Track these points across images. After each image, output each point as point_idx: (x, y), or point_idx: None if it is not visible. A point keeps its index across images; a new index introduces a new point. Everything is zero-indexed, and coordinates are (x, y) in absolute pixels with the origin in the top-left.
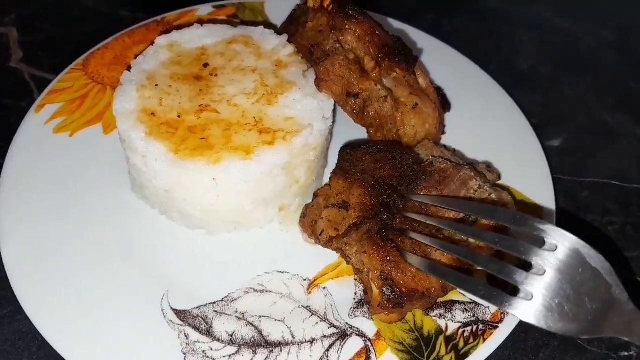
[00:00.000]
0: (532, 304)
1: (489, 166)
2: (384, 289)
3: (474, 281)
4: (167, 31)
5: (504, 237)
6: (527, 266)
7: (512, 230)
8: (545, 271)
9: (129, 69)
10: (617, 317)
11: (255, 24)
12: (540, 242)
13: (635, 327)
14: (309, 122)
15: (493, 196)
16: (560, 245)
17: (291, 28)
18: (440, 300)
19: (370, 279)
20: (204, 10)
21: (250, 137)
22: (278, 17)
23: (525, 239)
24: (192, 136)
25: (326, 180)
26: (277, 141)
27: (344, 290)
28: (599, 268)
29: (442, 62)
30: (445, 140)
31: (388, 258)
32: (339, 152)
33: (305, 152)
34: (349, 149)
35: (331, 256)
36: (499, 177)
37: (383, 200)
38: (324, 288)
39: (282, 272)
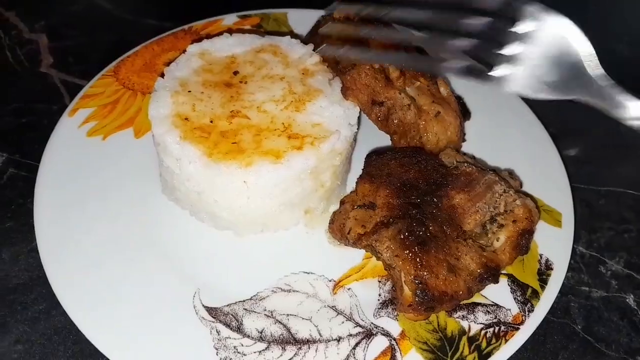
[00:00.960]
0: (515, 75)
1: (511, 173)
2: (417, 292)
3: (457, 60)
4: (197, 40)
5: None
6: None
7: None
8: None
9: (162, 75)
10: (590, 85)
11: (280, 34)
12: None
13: (606, 94)
14: (335, 128)
15: (518, 202)
16: (538, 24)
17: (316, 38)
18: (462, 302)
19: (404, 281)
20: (229, 19)
21: (280, 142)
22: (300, 26)
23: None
24: (224, 140)
25: (350, 185)
26: (305, 146)
27: (368, 291)
28: (576, 42)
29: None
30: (464, 147)
31: (422, 263)
32: (365, 158)
33: (331, 157)
34: (375, 155)
35: (355, 258)
36: (521, 185)
37: (411, 200)
38: (349, 289)
39: (308, 273)
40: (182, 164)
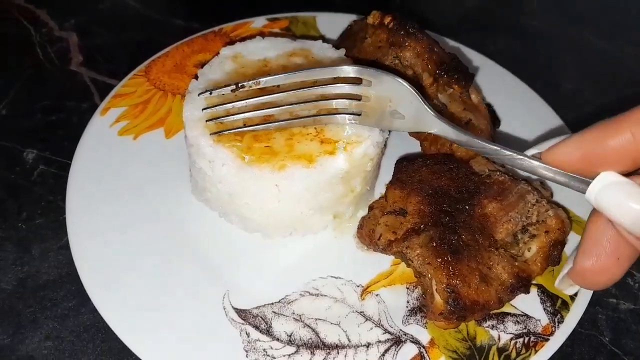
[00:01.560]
0: (368, 115)
1: (542, 183)
2: (449, 300)
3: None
4: (227, 42)
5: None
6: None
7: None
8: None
9: (195, 77)
10: (421, 118)
11: (312, 38)
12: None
13: (430, 121)
14: (368, 133)
15: (550, 212)
16: (375, 79)
17: (348, 43)
18: (492, 312)
19: (435, 289)
20: (258, 22)
21: (312, 146)
22: (329, 30)
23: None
24: (257, 144)
25: (378, 190)
26: (337, 151)
27: (396, 298)
28: (406, 89)
29: (491, 79)
30: None
31: (454, 272)
32: (395, 164)
33: (363, 162)
34: (405, 162)
35: (383, 264)
36: (552, 195)
37: (443, 208)
38: (377, 295)
39: (336, 278)
40: (214, 165)
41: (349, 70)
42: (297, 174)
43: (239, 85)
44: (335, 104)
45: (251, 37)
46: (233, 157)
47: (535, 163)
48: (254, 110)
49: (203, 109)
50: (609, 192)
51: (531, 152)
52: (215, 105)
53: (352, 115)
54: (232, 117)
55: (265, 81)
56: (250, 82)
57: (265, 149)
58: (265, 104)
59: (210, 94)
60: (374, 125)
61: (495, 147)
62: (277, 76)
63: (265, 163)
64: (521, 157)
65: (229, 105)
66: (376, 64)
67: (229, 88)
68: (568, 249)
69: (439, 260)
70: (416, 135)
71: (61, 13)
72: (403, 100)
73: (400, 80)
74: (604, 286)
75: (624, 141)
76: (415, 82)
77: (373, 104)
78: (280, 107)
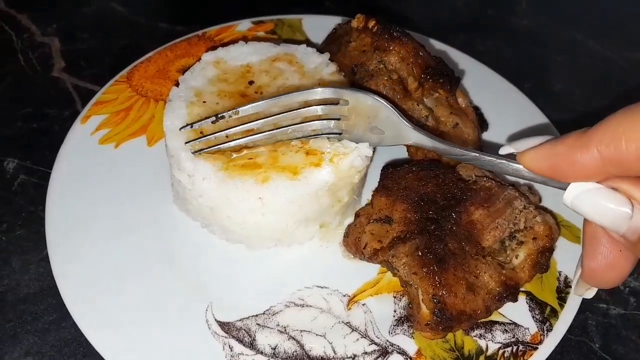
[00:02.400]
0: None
1: (530, 188)
2: (435, 311)
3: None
4: (212, 47)
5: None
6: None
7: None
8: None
9: (177, 84)
10: (399, 132)
11: (296, 42)
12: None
13: (408, 134)
14: (355, 145)
15: (538, 218)
16: (351, 98)
17: (333, 47)
18: (480, 321)
19: (421, 299)
20: (243, 25)
21: (297, 157)
22: (315, 33)
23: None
24: (238, 156)
25: (365, 197)
26: (323, 162)
27: (383, 307)
28: (381, 104)
29: (478, 81)
30: None
31: (440, 281)
32: (381, 170)
33: (350, 174)
34: (391, 168)
35: (370, 273)
36: (540, 200)
37: (429, 215)
38: (364, 304)
39: (322, 287)
40: (195, 180)
41: (325, 92)
42: (281, 187)
43: (219, 116)
44: (315, 125)
45: (235, 41)
46: (214, 170)
47: (514, 166)
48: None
49: (186, 143)
50: (582, 199)
51: (506, 149)
52: (197, 138)
53: (333, 135)
54: (213, 135)
55: (244, 110)
56: (229, 112)
57: (248, 161)
58: (247, 131)
59: (192, 127)
60: (356, 142)
61: (475, 154)
62: (255, 104)
63: (248, 175)
64: (500, 160)
65: (212, 137)
66: (360, 68)
67: (209, 120)
68: (557, 254)
69: (425, 269)
70: None
71: (43, 18)
72: (380, 115)
73: (375, 97)
74: (619, 281)
75: (590, 159)
76: (399, 87)
77: (353, 122)
78: (262, 132)
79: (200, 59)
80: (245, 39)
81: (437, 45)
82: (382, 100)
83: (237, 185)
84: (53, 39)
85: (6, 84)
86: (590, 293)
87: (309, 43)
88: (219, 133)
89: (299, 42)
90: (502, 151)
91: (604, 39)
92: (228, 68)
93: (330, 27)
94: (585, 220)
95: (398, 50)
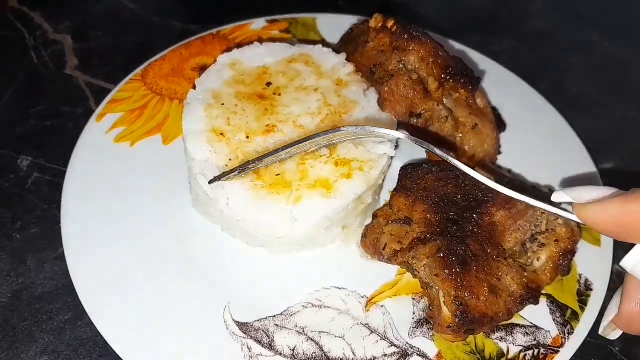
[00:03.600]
0: None
1: (551, 190)
2: (458, 313)
3: None
4: (226, 45)
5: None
6: None
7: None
8: None
9: (194, 87)
10: None
11: (312, 40)
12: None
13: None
14: (382, 149)
15: (560, 221)
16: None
17: (349, 47)
18: (501, 323)
19: (443, 302)
20: (257, 24)
21: (327, 170)
22: (329, 32)
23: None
24: (266, 171)
25: (383, 198)
26: (354, 173)
27: (401, 309)
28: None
29: (496, 82)
30: (499, 160)
31: (463, 284)
32: (400, 171)
33: (378, 179)
34: (410, 168)
35: (388, 274)
36: (560, 203)
37: (449, 216)
38: (382, 306)
39: (340, 289)
40: (219, 195)
41: (351, 131)
42: (316, 206)
43: (244, 168)
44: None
45: (249, 41)
46: (242, 189)
47: (566, 215)
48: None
49: (210, 182)
50: None
51: (560, 196)
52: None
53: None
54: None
55: (268, 160)
56: (254, 162)
57: (277, 177)
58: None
59: (219, 180)
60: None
61: (523, 198)
62: (279, 153)
63: (279, 194)
64: (552, 210)
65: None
66: (379, 69)
67: (235, 172)
68: (577, 257)
69: (447, 271)
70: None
71: (56, 15)
72: None
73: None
74: None
75: None
76: (419, 87)
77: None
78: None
79: (215, 60)
80: (260, 40)
81: (455, 46)
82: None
83: (268, 205)
84: (66, 37)
85: (19, 82)
86: (616, 334)
87: (325, 43)
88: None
89: (313, 42)
90: (556, 198)
91: (620, 40)
92: (244, 70)
93: (344, 26)
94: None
95: (418, 50)
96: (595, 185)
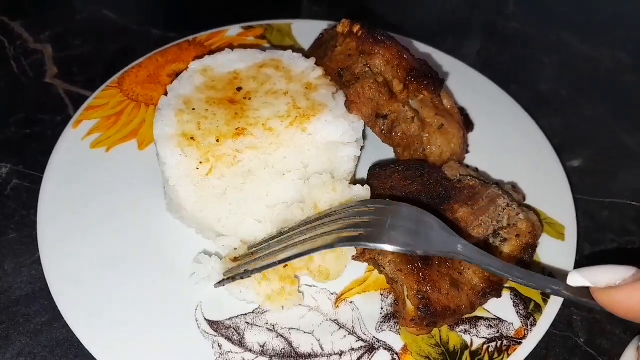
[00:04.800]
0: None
1: (514, 187)
2: (420, 307)
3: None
4: (200, 55)
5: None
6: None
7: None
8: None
9: (165, 93)
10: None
11: (283, 47)
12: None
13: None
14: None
15: (521, 215)
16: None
17: (319, 52)
18: (465, 316)
19: (407, 296)
20: (233, 30)
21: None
22: (304, 38)
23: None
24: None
25: None
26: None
27: (370, 305)
28: (426, 217)
29: (464, 83)
30: (467, 159)
31: (425, 278)
32: (368, 171)
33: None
34: (378, 168)
35: (357, 271)
36: (524, 198)
37: None
38: (351, 302)
39: (310, 286)
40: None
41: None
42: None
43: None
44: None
45: (223, 47)
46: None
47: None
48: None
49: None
50: None
51: (576, 280)
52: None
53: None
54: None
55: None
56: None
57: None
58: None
59: (234, 279)
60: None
61: (529, 275)
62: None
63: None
64: (567, 294)
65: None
66: (346, 72)
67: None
68: (540, 251)
69: (410, 266)
70: (389, 141)
71: (36, 25)
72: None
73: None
74: None
75: None
76: (385, 90)
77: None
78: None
79: (187, 67)
80: (232, 46)
81: (423, 48)
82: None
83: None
84: (46, 46)
85: None
86: None
87: (295, 48)
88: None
89: (288, 47)
90: (572, 282)
91: (591, 40)
92: (215, 75)
93: (318, 32)
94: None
95: (383, 54)
96: (610, 265)
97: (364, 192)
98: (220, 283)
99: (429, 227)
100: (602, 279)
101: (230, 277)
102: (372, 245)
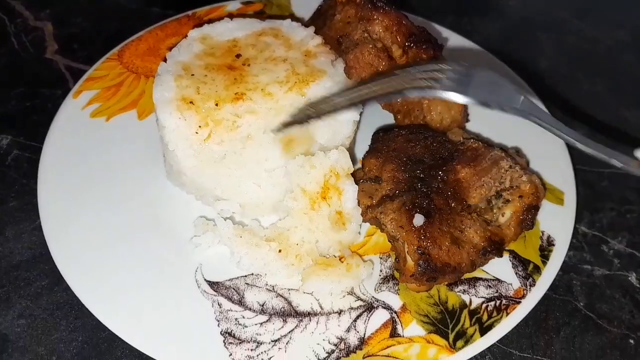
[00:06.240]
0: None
1: (518, 151)
2: (420, 262)
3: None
4: (199, 25)
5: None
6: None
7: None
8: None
9: (164, 60)
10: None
11: (282, 17)
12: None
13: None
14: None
15: (524, 177)
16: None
17: (318, 22)
18: (464, 277)
19: (407, 251)
20: (233, 6)
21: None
22: (303, 13)
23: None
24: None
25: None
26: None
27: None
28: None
29: (463, 55)
30: (468, 127)
31: (425, 234)
32: (372, 135)
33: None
34: (382, 132)
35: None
36: (528, 163)
37: (416, 174)
38: None
39: None
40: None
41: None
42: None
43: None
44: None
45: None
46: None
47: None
48: None
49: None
50: None
51: None
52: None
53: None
54: None
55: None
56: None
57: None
58: None
59: (294, 124)
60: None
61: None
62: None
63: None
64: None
65: None
66: (345, 39)
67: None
68: (540, 215)
69: (411, 224)
70: (389, 107)
71: (36, 3)
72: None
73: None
74: None
75: None
76: (384, 55)
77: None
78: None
79: (186, 36)
80: (231, 16)
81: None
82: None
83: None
84: (46, 24)
85: (0, 66)
86: None
87: (294, 17)
88: None
89: (285, 19)
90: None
91: (589, 18)
92: (214, 43)
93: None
94: None
95: (381, 20)
96: None
97: (340, 155)
98: (280, 129)
99: (505, 88)
100: None
101: (290, 122)
102: (443, 94)
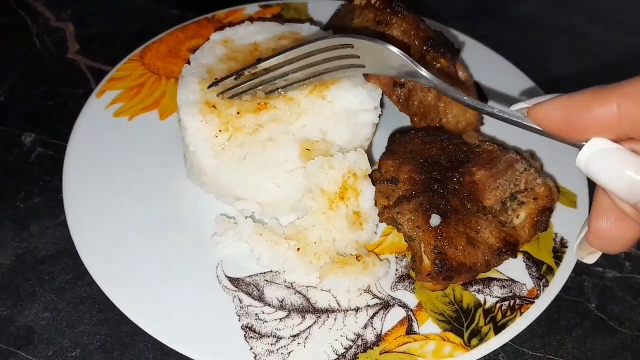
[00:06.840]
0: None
1: (532, 154)
2: (436, 261)
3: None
4: (219, 28)
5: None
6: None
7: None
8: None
9: (188, 62)
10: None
11: (300, 21)
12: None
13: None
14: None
15: (539, 180)
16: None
17: (336, 25)
18: (478, 277)
19: (423, 251)
20: (251, 9)
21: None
22: (319, 16)
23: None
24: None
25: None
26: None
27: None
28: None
29: (478, 59)
30: (482, 131)
31: (442, 234)
32: (389, 137)
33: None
34: (398, 134)
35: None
36: (542, 166)
37: (433, 175)
38: None
39: None
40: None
41: (340, 40)
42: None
43: (240, 73)
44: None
45: (242, 22)
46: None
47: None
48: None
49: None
50: (599, 158)
51: (518, 105)
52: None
53: (357, 68)
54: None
55: (262, 65)
56: (248, 68)
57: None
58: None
59: (216, 85)
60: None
61: (485, 106)
62: (272, 58)
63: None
64: (508, 115)
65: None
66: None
67: (232, 77)
68: (553, 217)
69: (428, 224)
70: (407, 110)
71: (58, 4)
72: (392, 63)
73: (387, 46)
74: (627, 245)
75: (608, 112)
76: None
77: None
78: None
79: (209, 38)
80: (252, 19)
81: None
82: (394, 49)
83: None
84: (67, 24)
85: (22, 66)
86: (592, 258)
87: (313, 22)
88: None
89: (303, 23)
90: (515, 107)
91: (604, 24)
92: (236, 47)
93: (334, 11)
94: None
95: (400, 24)
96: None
97: (358, 156)
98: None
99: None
100: (537, 100)
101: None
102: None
